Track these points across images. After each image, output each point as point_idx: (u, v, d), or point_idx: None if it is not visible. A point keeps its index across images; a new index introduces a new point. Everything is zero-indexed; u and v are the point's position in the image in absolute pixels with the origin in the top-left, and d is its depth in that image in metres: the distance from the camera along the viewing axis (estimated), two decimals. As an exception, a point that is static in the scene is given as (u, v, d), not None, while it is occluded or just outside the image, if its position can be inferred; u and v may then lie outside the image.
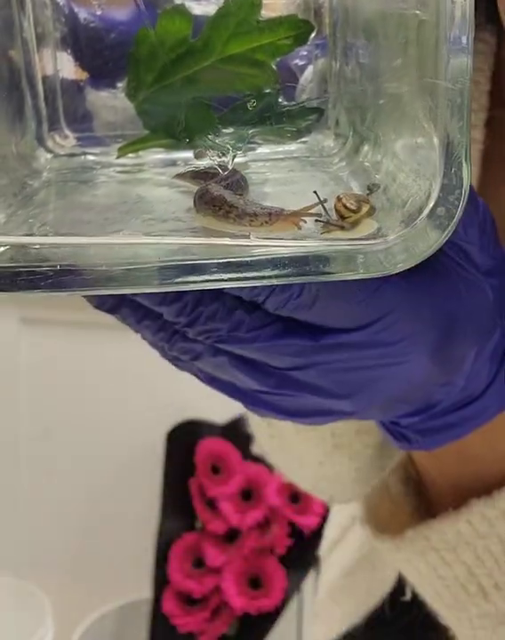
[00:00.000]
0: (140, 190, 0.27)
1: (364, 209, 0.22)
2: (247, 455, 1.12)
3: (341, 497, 0.53)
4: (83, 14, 0.28)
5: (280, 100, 0.28)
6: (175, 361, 0.28)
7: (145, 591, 1.17)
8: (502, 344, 0.30)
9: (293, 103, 0.28)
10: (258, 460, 1.14)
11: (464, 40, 0.20)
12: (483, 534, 0.35)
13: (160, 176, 0.28)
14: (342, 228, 0.22)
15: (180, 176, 0.28)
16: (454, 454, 0.35)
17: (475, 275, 0.28)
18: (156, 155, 0.29)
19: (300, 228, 0.22)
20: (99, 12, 0.28)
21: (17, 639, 1.13)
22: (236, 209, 0.22)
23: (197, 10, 0.27)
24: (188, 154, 0.28)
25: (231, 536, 1.17)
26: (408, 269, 0.25)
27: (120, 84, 0.28)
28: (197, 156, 0.28)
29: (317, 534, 1.13)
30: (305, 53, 0.29)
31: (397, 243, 0.22)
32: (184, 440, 1.19)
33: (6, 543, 1.23)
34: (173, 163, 0.29)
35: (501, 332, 0.29)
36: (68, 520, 1.25)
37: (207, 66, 0.27)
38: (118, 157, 0.28)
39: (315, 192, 0.23)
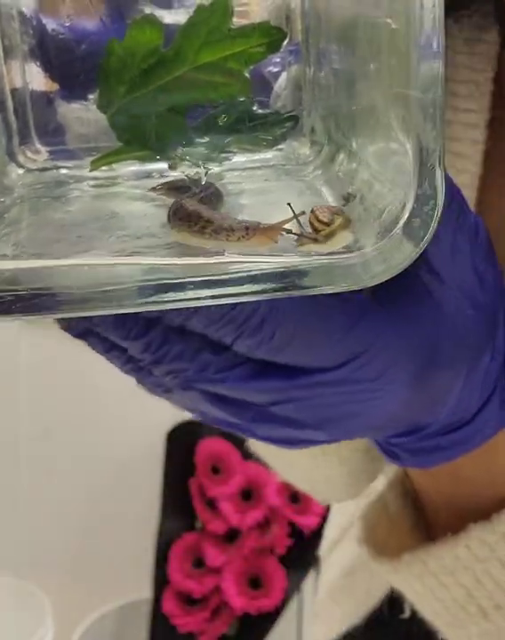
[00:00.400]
0: (113, 205, 0.26)
1: (338, 221, 0.22)
2: (247, 455, 1.11)
3: (335, 498, 0.53)
4: (51, 25, 0.27)
5: (254, 108, 0.27)
6: (150, 390, 0.28)
7: (145, 591, 1.18)
8: (495, 366, 0.29)
9: (268, 111, 0.28)
10: (258, 460, 1.14)
11: (435, 46, 0.20)
12: (482, 559, 0.34)
13: (134, 189, 0.28)
14: (316, 240, 0.21)
15: (154, 189, 0.27)
16: (448, 475, 0.34)
17: (456, 294, 0.26)
18: (130, 167, 0.28)
19: (276, 242, 0.21)
20: (67, 24, 0.27)
21: (17, 639, 1.13)
22: (212, 224, 0.21)
23: (168, 19, 0.27)
24: (163, 165, 0.28)
25: (231, 536, 1.17)
26: (385, 296, 0.25)
27: (92, 96, 0.27)
28: (172, 168, 0.27)
29: (317, 534, 1.13)
30: (278, 60, 0.29)
31: (374, 255, 0.21)
32: (184, 440, 1.19)
33: (6, 543, 1.23)
34: (148, 175, 0.28)
35: (492, 354, 0.28)
36: (68, 520, 1.26)
37: (179, 75, 0.27)
38: (91, 171, 0.27)
39: (289, 204, 0.22)
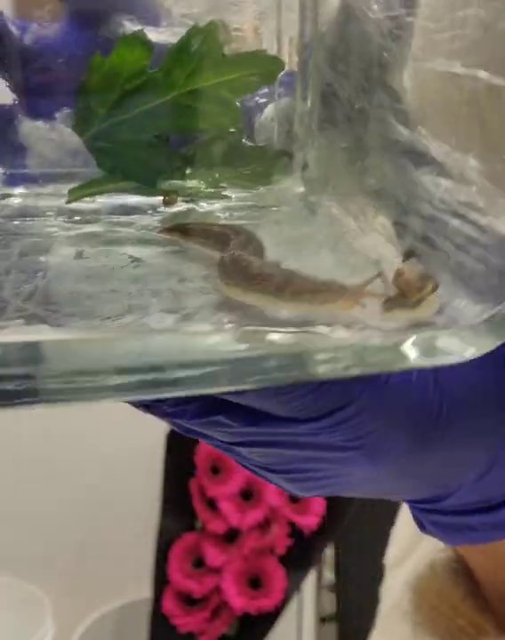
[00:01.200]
0: (126, 249, 0.23)
1: (429, 287, 0.19)
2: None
3: None
4: (18, 31, 0.25)
5: (244, 140, 0.26)
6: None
7: (145, 591, 1.17)
8: None
9: (260, 145, 0.26)
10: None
11: None
12: None
13: (122, 228, 0.25)
14: (406, 306, 0.19)
15: (167, 231, 0.25)
16: (485, 554, 0.31)
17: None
18: (109, 199, 0.26)
19: (364, 306, 0.19)
20: (39, 34, 0.25)
21: (19, 638, 1.13)
22: (292, 285, 0.19)
23: (154, 38, 0.25)
24: (142, 199, 0.26)
25: (231, 536, 1.17)
26: None
27: (59, 114, 0.26)
28: (167, 204, 0.25)
29: (317, 534, 1.13)
30: (265, 90, 0.27)
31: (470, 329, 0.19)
32: (184, 440, 1.18)
33: (6, 543, 1.23)
34: (130, 209, 0.26)
35: None
36: (68, 520, 1.26)
37: (167, 100, 0.25)
38: (69, 202, 0.25)
39: (378, 262, 0.20)
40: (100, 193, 0.26)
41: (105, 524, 1.25)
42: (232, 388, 0.18)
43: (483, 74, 0.19)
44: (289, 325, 0.18)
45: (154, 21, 0.26)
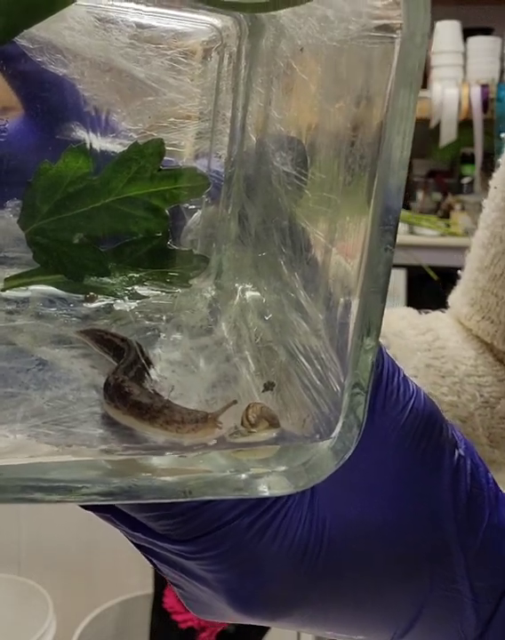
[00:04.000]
0: (41, 350, 0.26)
1: (261, 427, 0.22)
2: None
3: None
4: None
5: (169, 243, 0.29)
6: None
7: (146, 587, 1.19)
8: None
9: (181, 248, 0.29)
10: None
11: None
12: None
13: (48, 323, 0.28)
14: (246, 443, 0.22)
15: (82, 333, 0.27)
16: None
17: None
18: (40, 287, 0.29)
19: (220, 429, 0.22)
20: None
21: (20, 635, 1.13)
22: (163, 415, 0.21)
23: (99, 146, 0.28)
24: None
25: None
26: None
27: (9, 203, 0.28)
28: (88, 300, 0.28)
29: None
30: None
31: (297, 468, 0.21)
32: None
33: (8, 540, 1.25)
34: (57, 300, 0.29)
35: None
36: (70, 518, 1.25)
37: (104, 204, 0.29)
38: (3, 290, 0.28)
39: (234, 402, 0.23)
40: (33, 284, 0.28)
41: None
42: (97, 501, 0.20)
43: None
44: (156, 447, 0.21)
45: (103, 131, 0.29)
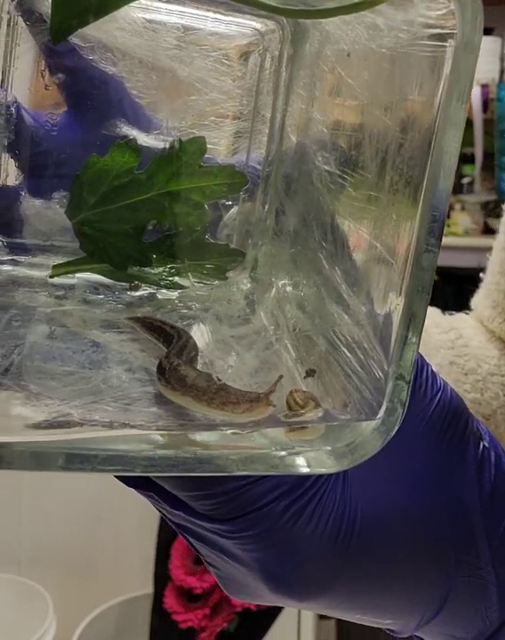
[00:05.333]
0: (93, 333, 0.27)
1: (309, 406, 0.23)
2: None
3: None
4: (32, 124, 0.29)
5: (207, 236, 0.30)
6: None
7: (146, 587, 1.19)
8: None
9: (218, 242, 0.31)
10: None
11: None
12: None
13: (96, 308, 0.29)
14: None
15: (132, 320, 0.28)
16: None
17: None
18: (86, 276, 0.30)
19: (274, 407, 0.23)
20: (48, 125, 0.29)
21: (20, 635, 1.13)
22: (220, 397, 0.22)
23: (144, 142, 0.30)
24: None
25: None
26: None
27: (57, 195, 0.29)
28: (132, 289, 0.30)
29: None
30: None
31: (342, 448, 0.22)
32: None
33: (9, 540, 1.24)
34: (103, 288, 0.30)
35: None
36: (71, 517, 1.26)
37: (147, 198, 0.30)
38: (51, 277, 0.30)
39: (281, 377, 0.24)
40: (79, 271, 0.30)
41: (107, 521, 1.25)
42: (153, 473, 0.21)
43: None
44: (209, 425, 0.22)
45: (146, 128, 0.30)
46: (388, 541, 0.25)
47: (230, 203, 0.31)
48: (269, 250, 0.31)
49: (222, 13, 0.29)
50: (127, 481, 0.24)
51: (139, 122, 0.30)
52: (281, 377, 0.24)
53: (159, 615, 1.16)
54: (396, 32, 0.21)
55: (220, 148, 0.31)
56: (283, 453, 0.21)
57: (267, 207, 0.31)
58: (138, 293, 0.30)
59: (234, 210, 0.32)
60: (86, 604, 1.22)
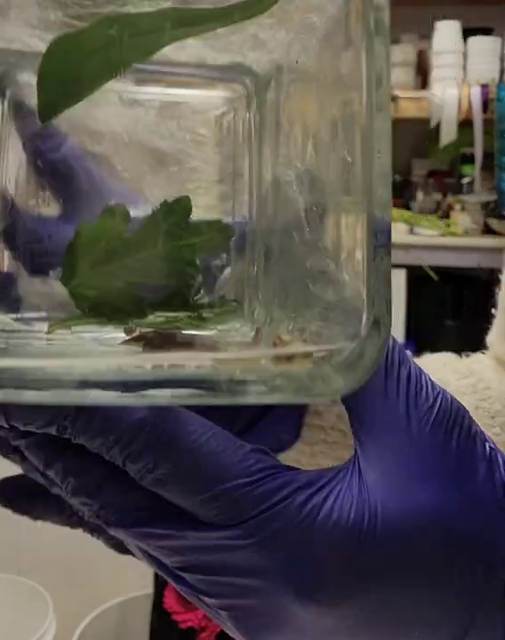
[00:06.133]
0: None
1: (297, 339, 0.24)
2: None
3: None
4: (25, 219, 0.31)
5: (201, 291, 0.32)
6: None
7: (146, 587, 1.19)
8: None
9: (213, 296, 0.32)
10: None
11: None
12: None
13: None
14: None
15: (129, 342, 0.29)
16: None
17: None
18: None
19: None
20: (37, 212, 0.31)
21: (20, 635, 1.13)
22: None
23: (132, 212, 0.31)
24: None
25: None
26: None
27: (53, 272, 0.31)
28: (127, 332, 0.32)
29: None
30: (224, 256, 0.33)
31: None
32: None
33: (8, 540, 1.24)
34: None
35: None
36: None
37: (139, 258, 0.31)
38: (48, 333, 0.30)
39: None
40: (75, 325, 0.31)
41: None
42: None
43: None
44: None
45: (134, 203, 0.32)
46: (411, 548, 0.24)
47: (223, 264, 0.33)
48: (264, 299, 0.33)
49: (193, 88, 0.31)
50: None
51: (125, 196, 0.32)
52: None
53: (159, 615, 1.17)
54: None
55: (206, 212, 0.33)
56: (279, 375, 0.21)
57: (255, 267, 0.33)
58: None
59: (227, 271, 0.33)
60: (86, 604, 1.22)
